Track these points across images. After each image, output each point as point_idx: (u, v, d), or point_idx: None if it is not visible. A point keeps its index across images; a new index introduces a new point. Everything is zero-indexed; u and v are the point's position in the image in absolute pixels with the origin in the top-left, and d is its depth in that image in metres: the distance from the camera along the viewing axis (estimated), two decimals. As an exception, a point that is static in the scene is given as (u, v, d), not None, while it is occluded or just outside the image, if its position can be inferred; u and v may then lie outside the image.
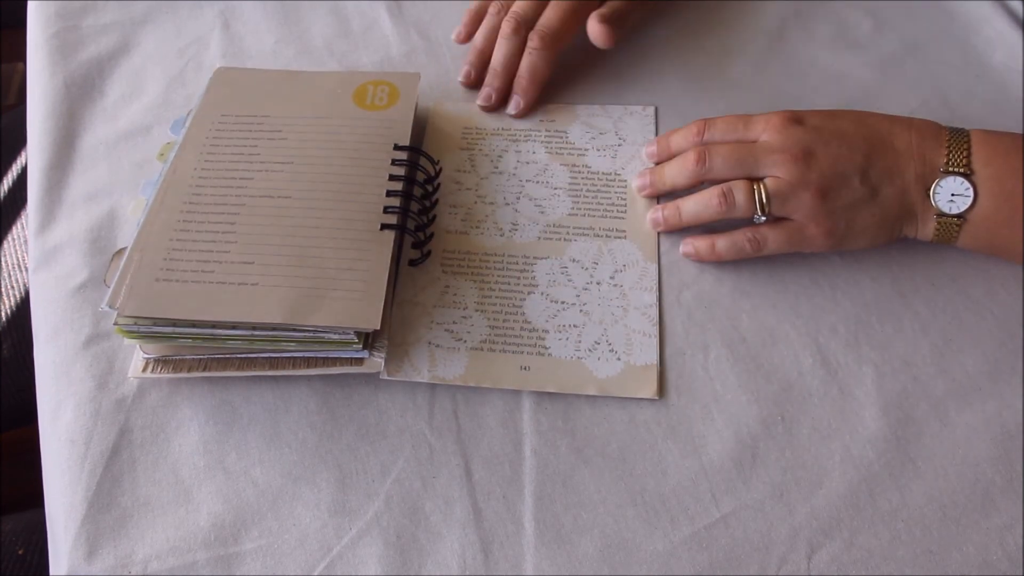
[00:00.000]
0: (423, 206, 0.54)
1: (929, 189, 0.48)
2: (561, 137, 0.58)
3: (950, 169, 0.48)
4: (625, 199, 0.55)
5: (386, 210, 0.50)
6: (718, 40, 0.64)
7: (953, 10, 0.65)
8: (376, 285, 0.47)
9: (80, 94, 0.63)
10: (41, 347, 0.52)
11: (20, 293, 0.77)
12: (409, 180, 0.53)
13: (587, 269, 0.52)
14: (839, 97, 0.60)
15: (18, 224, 0.80)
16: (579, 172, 0.56)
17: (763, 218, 0.50)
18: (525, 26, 0.59)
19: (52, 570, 0.46)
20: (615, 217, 0.54)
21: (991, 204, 0.48)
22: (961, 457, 0.46)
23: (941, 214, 0.49)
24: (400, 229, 0.50)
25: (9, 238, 0.80)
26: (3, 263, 0.78)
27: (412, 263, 0.52)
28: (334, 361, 0.47)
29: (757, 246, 0.50)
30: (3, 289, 0.77)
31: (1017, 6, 0.63)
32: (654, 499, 0.45)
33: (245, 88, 0.57)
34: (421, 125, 0.59)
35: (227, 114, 0.56)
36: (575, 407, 0.48)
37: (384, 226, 0.49)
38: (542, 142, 0.58)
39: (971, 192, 0.48)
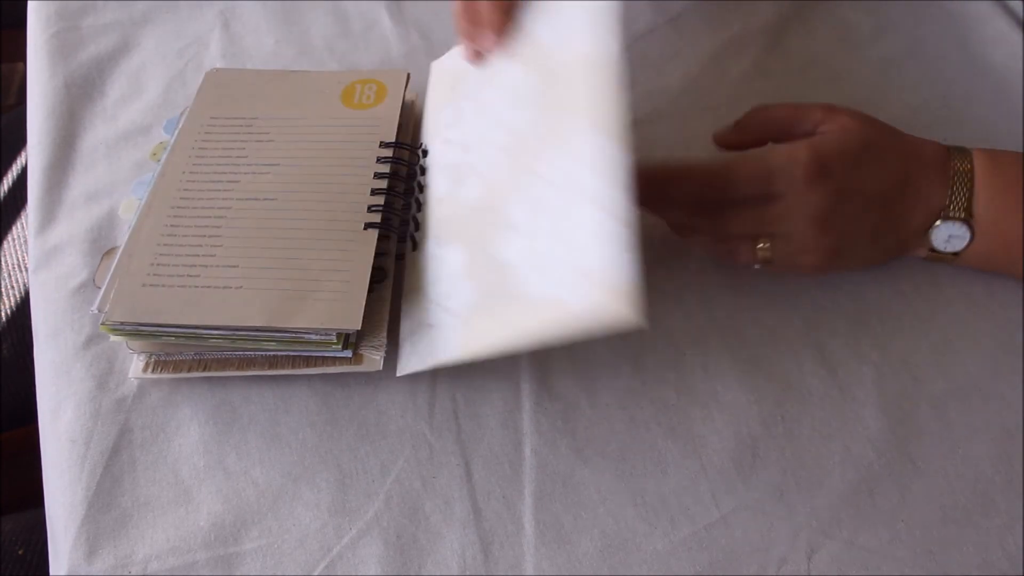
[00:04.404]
0: (407, 202, 0.53)
1: (928, 230, 0.48)
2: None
3: (951, 215, 0.47)
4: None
5: (370, 209, 0.50)
6: (718, 40, 0.64)
7: (953, 10, 0.65)
8: (358, 285, 0.47)
9: (80, 94, 0.63)
10: (41, 347, 0.52)
11: (20, 293, 0.77)
12: (398, 176, 0.53)
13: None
14: (839, 97, 0.60)
15: (18, 224, 0.80)
16: None
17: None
18: None
19: (52, 570, 0.46)
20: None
21: (985, 243, 0.48)
22: (961, 457, 0.46)
23: (935, 250, 0.49)
24: (384, 227, 0.50)
25: (9, 238, 0.80)
26: (3, 263, 0.78)
27: (398, 258, 0.51)
28: (333, 360, 0.47)
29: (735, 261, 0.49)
30: (3, 289, 0.77)
31: (1017, 6, 0.63)
32: (654, 499, 0.45)
33: (235, 90, 0.57)
34: (418, 120, 0.59)
35: (216, 116, 0.56)
36: (575, 407, 0.48)
37: (368, 225, 0.50)
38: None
39: (968, 235, 0.48)
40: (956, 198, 0.47)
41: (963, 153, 0.48)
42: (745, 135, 0.50)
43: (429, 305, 0.48)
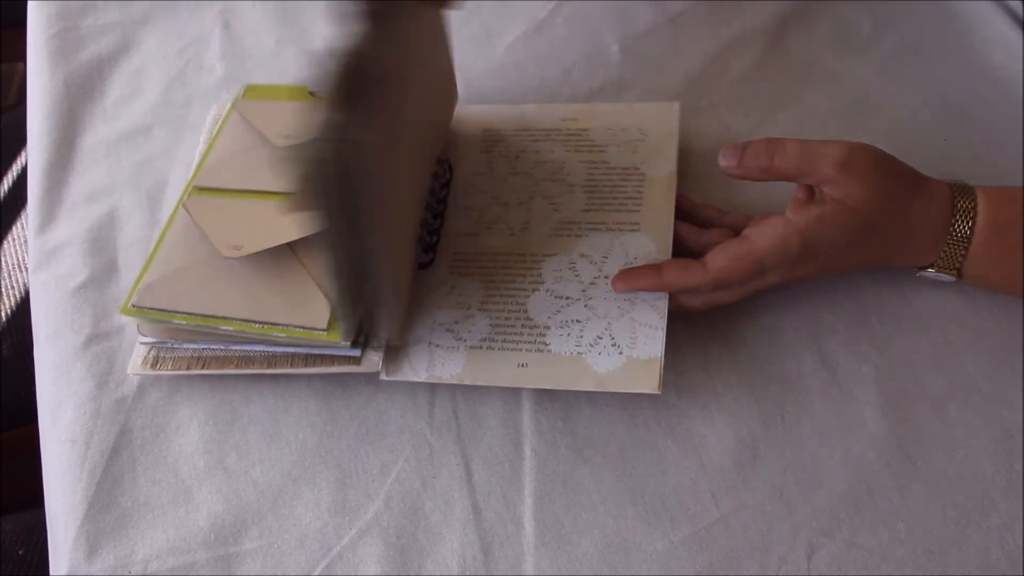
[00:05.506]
0: (434, 211, 0.53)
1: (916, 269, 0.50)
2: (581, 135, 0.57)
3: (940, 267, 0.48)
4: (641, 192, 0.54)
5: None
6: (718, 40, 0.64)
7: (953, 10, 0.65)
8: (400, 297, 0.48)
9: (80, 94, 0.63)
10: (41, 347, 0.52)
11: (20, 293, 0.77)
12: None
13: (596, 263, 0.51)
14: (839, 97, 0.60)
15: (18, 224, 0.80)
16: (597, 168, 0.55)
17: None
18: None
19: (52, 570, 0.46)
20: (630, 210, 0.53)
21: (973, 282, 0.49)
22: (961, 457, 0.46)
23: (921, 275, 0.50)
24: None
25: (9, 238, 0.80)
26: (3, 263, 0.78)
27: (421, 267, 0.52)
28: (332, 360, 0.47)
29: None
30: (3, 289, 0.77)
31: (1017, 6, 0.63)
32: (654, 499, 0.45)
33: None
34: None
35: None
36: (575, 407, 0.48)
37: None
38: (561, 141, 0.57)
39: (955, 279, 0.49)
40: (947, 259, 0.48)
41: (967, 213, 0.47)
42: (751, 169, 0.48)
43: (434, 325, 0.49)
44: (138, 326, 0.49)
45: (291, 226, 0.49)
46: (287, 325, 0.46)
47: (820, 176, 0.45)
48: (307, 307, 0.47)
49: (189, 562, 0.44)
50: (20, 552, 0.63)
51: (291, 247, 0.49)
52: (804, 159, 0.46)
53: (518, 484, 0.46)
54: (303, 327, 0.46)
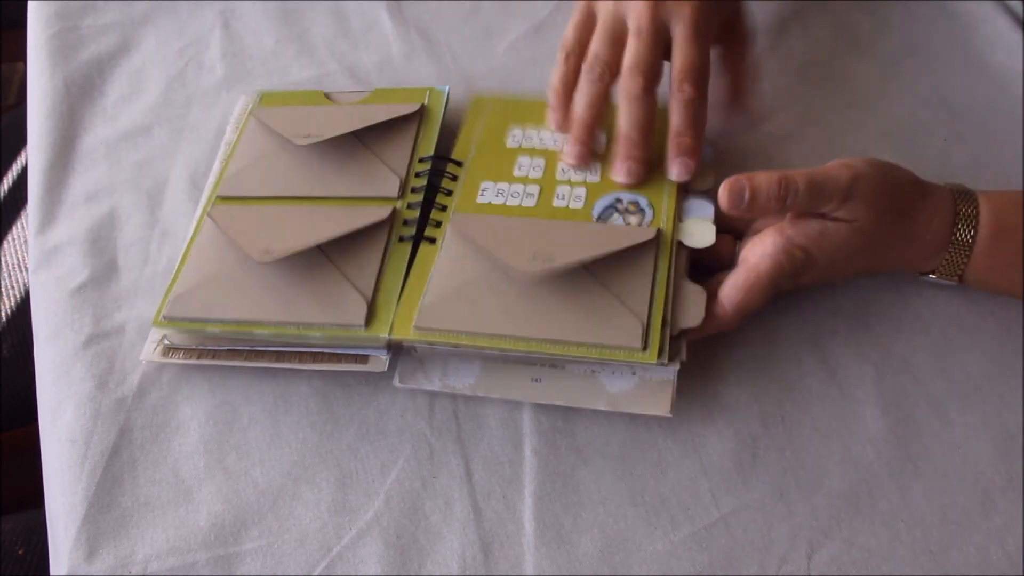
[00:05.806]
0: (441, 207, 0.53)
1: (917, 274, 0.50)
2: None
3: (942, 273, 0.49)
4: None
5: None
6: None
7: (953, 10, 0.65)
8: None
9: (80, 94, 0.63)
10: (41, 347, 0.52)
11: (20, 293, 0.77)
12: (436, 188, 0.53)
13: None
14: (839, 97, 0.60)
15: (18, 224, 0.80)
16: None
17: None
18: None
19: (52, 570, 0.46)
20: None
21: (975, 286, 0.49)
22: (961, 457, 0.46)
23: (922, 279, 0.50)
24: (416, 239, 0.51)
25: (9, 238, 0.80)
26: (3, 263, 0.78)
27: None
28: (339, 358, 0.48)
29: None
30: (3, 289, 0.77)
31: (1017, 6, 0.63)
32: (654, 499, 0.45)
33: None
34: (452, 129, 0.57)
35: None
36: (575, 407, 0.48)
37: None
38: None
39: (956, 284, 0.49)
40: (949, 265, 0.48)
41: (969, 219, 0.47)
42: (761, 214, 0.48)
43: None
44: (165, 336, 0.49)
45: (320, 228, 0.49)
46: (324, 324, 0.47)
47: (829, 208, 0.46)
48: (343, 305, 0.47)
49: (189, 562, 0.44)
50: (20, 552, 0.63)
51: (321, 248, 0.49)
52: (814, 198, 0.45)
53: (518, 484, 0.46)
54: (341, 325, 0.46)
